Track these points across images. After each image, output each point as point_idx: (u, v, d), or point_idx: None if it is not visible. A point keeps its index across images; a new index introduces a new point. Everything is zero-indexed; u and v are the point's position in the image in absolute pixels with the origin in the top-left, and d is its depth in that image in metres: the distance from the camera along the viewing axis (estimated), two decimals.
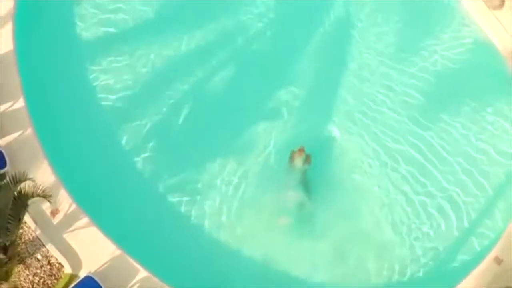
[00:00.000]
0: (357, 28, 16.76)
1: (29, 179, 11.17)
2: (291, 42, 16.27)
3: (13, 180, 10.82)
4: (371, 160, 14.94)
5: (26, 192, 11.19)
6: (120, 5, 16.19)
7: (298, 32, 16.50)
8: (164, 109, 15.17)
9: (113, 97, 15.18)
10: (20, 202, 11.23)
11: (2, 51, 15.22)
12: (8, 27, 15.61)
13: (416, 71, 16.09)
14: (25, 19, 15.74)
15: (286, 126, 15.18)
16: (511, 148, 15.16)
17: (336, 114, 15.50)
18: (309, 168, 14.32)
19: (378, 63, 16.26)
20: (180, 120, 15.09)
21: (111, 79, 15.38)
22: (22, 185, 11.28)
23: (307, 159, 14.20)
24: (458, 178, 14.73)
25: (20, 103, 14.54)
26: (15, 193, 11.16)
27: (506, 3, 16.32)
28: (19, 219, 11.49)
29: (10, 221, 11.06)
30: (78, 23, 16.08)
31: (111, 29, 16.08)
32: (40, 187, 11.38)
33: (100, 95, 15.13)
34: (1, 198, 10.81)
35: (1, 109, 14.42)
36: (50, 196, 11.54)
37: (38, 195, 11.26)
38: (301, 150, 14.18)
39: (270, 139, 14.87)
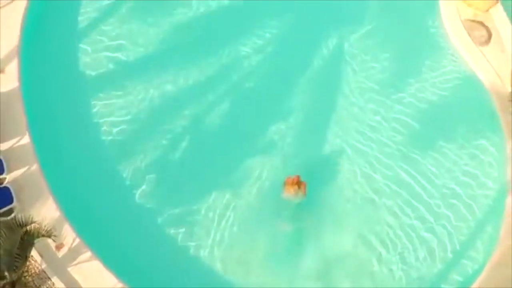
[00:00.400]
0: (351, 58, 17.69)
1: (35, 222, 11.78)
2: (284, 76, 17.06)
3: (20, 224, 11.42)
4: (365, 187, 15.55)
5: (32, 233, 11.80)
6: (122, 41, 17.06)
7: (291, 66, 17.31)
8: (162, 143, 15.89)
9: (114, 131, 15.85)
10: (27, 242, 11.86)
11: (8, 88, 15.84)
12: (14, 64, 16.12)
13: (407, 102, 17.02)
14: (30, 57, 16.41)
15: (282, 158, 15.77)
16: (497, 173, 15.76)
17: (331, 143, 16.23)
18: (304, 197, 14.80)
19: (372, 92, 17.08)
20: (178, 154, 15.81)
21: (113, 114, 16.07)
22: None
23: (302, 188, 14.60)
24: (448, 203, 15.53)
25: (26, 139, 15.14)
26: (22, 232, 11.77)
27: (492, 39, 16.85)
28: (25, 257, 12.10)
29: (17, 259, 11.68)
30: (81, 59, 16.80)
31: (113, 65, 16.83)
32: (45, 228, 11.99)
33: (102, 131, 15.82)
34: (9, 240, 11.43)
35: (8, 146, 14.97)
36: (55, 235, 12.17)
37: (43, 235, 11.88)
38: (295, 178, 14.62)
39: (265, 171, 15.55)
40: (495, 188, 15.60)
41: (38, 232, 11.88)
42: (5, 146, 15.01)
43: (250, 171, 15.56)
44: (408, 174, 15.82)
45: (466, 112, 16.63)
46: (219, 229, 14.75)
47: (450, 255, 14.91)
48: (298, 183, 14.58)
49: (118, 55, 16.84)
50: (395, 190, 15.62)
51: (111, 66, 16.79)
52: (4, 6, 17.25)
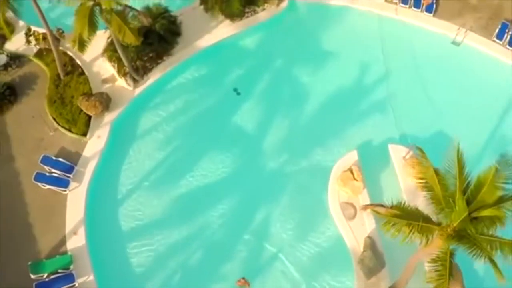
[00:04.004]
0: (273, 222, 29.97)
1: None
2: (235, 234, 29.51)
3: None
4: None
5: None
6: (141, 213, 29.85)
7: (239, 227, 29.73)
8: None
9: (141, 269, 28.62)
10: None
11: (79, 245, 28.41)
12: (82, 229, 28.97)
13: (300, 250, 29.18)
14: (91, 223, 29.04)
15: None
16: None
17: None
18: None
19: (283, 242, 29.44)
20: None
21: (140, 259, 28.80)
22: None
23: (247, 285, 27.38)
24: None
25: (91, 277, 27.87)
26: None
27: (357, 215, 28.87)
28: None
29: None
30: (122, 225, 29.56)
31: (137, 226, 29.47)
32: None
33: (136, 265, 28.60)
34: None
35: (80, 281, 27.66)
36: None
37: None
38: (242, 280, 27.49)
39: None
40: None
41: None
42: (79, 281, 27.74)
43: None
44: None
45: (334, 262, 28.68)
46: None
47: None
48: (245, 282, 27.32)
49: (141, 220, 29.69)
50: None
51: (139, 225, 29.50)
52: (72, 189, 29.89)
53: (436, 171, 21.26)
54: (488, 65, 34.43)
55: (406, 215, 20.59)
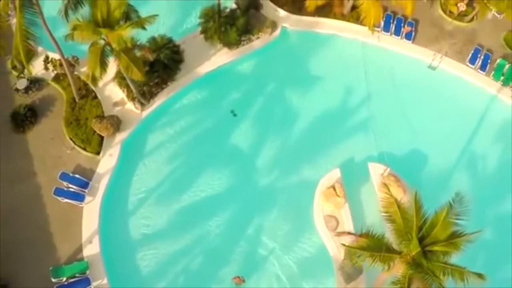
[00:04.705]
0: (265, 234, 33.79)
1: None
2: (231, 242, 33.33)
3: None
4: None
5: None
6: (151, 222, 33.77)
7: (235, 234, 33.63)
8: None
9: (147, 270, 32.67)
10: None
11: (93, 252, 32.45)
12: (96, 238, 33.14)
13: (289, 255, 33.18)
14: (105, 233, 32.91)
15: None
16: None
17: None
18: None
19: (275, 243, 33.46)
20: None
21: (148, 261, 32.83)
22: None
23: (241, 282, 31.63)
24: None
25: (105, 280, 31.85)
26: None
27: (339, 227, 32.49)
28: None
29: None
30: (132, 233, 33.54)
31: (148, 233, 33.35)
32: None
33: (146, 268, 32.58)
34: None
35: (94, 286, 31.75)
36: None
37: None
38: (236, 278, 31.77)
39: None
40: None
41: None
42: (94, 284, 31.71)
43: None
44: None
45: (318, 268, 32.51)
46: None
47: None
48: (240, 280, 31.50)
49: (148, 229, 33.55)
50: None
51: (147, 233, 33.40)
52: (88, 203, 33.78)
53: (399, 207, 25.00)
54: (460, 88, 38.08)
55: (371, 245, 24.35)
